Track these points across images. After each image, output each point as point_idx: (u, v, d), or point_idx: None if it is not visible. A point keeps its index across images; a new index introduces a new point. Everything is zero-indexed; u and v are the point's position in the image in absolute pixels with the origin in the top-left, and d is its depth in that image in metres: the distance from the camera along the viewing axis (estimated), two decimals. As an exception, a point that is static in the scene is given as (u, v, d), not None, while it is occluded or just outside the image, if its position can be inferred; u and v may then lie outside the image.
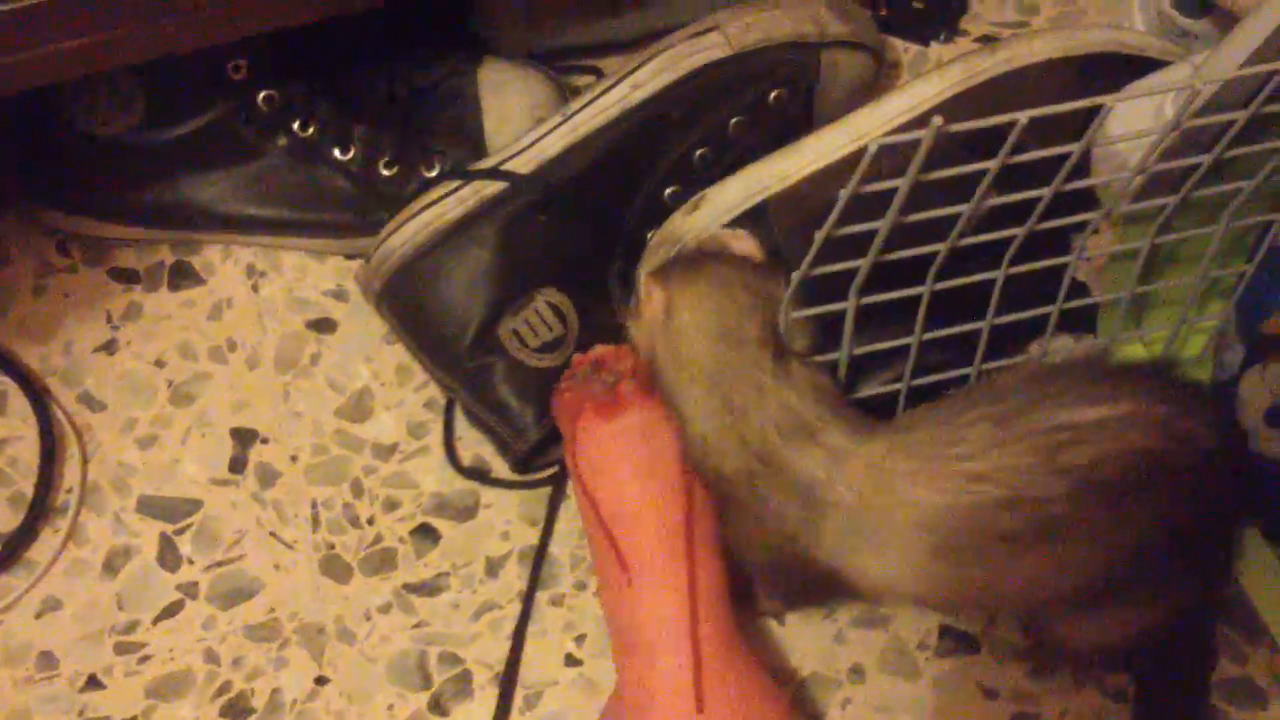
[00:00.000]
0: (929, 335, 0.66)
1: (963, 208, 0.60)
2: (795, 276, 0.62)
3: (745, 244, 0.65)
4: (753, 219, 0.68)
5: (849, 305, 0.64)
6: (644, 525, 0.64)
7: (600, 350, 0.69)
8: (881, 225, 0.58)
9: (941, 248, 0.62)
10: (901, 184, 0.56)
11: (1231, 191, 0.63)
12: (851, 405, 0.62)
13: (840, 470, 0.58)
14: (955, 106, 0.67)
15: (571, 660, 0.71)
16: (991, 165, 0.57)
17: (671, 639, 0.63)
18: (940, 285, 0.64)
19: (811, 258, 0.60)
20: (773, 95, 0.71)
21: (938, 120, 0.53)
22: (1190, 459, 0.56)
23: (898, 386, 0.68)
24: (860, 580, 0.60)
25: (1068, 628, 0.63)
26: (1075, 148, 0.57)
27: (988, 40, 0.79)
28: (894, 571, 0.59)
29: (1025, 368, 0.69)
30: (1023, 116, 0.54)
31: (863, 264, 0.61)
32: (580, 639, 0.71)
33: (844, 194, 0.56)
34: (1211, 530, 0.60)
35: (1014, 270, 0.65)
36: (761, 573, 0.65)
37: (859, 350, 0.66)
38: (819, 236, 0.59)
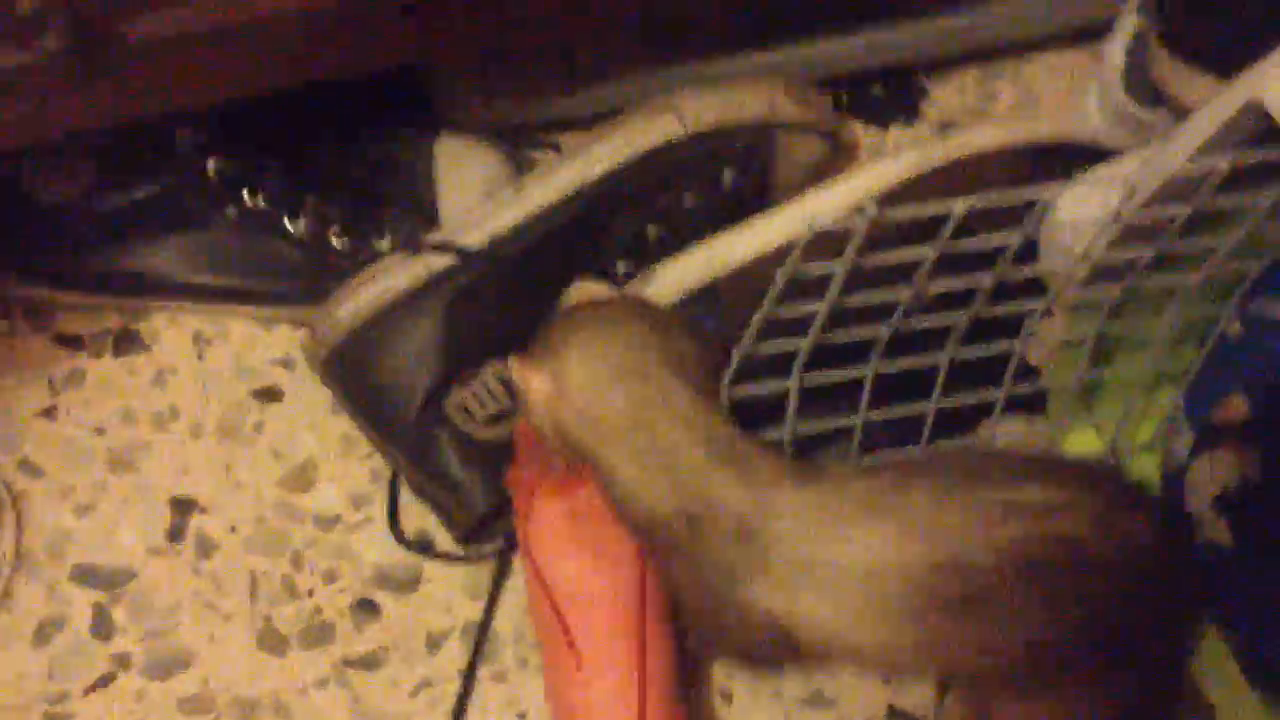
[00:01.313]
0: (874, 415, 0.66)
1: (903, 293, 0.60)
2: (736, 354, 0.62)
3: (595, 289, 0.64)
4: (703, 298, 0.68)
5: (792, 384, 0.63)
6: (596, 608, 0.64)
7: None
8: (820, 308, 0.58)
9: (883, 330, 0.62)
10: (838, 267, 0.56)
11: (1178, 282, 0.63)
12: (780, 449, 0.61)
13: (780, 504, 0.57)
14: (908, 192, 0.67)
15: (512, 739, 0.70)
16: (929, 252, 0.57)
17: None
18: (884, 368, 0.64)
19: (753, 335, 0.59)
20: (727, 175, 0.71)
21: (872, 208, 0.53)
22: (1123, 555, 0.56)
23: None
24: (800, 626, 0.58)
25: (1013, 717, 0.63)
26: (1014, 237, 0.58)
27: (946, 126, 0.80)
28: (833, 617, 0.57)
29: (974, 446, 0.68)
30: (958, 205, 0.55)
31: (804, 344, 0.61)
32: (522, 716, 0.70)
33: (780, 275, 0.56)
34: (1157, 630, 0.60)
35: (961, 355, 0.65)
36: (701, 623, 0.63)
37: (803, 429, 0.65)
38: (757, 316, 0.59)
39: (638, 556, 0.64)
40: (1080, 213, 0.60)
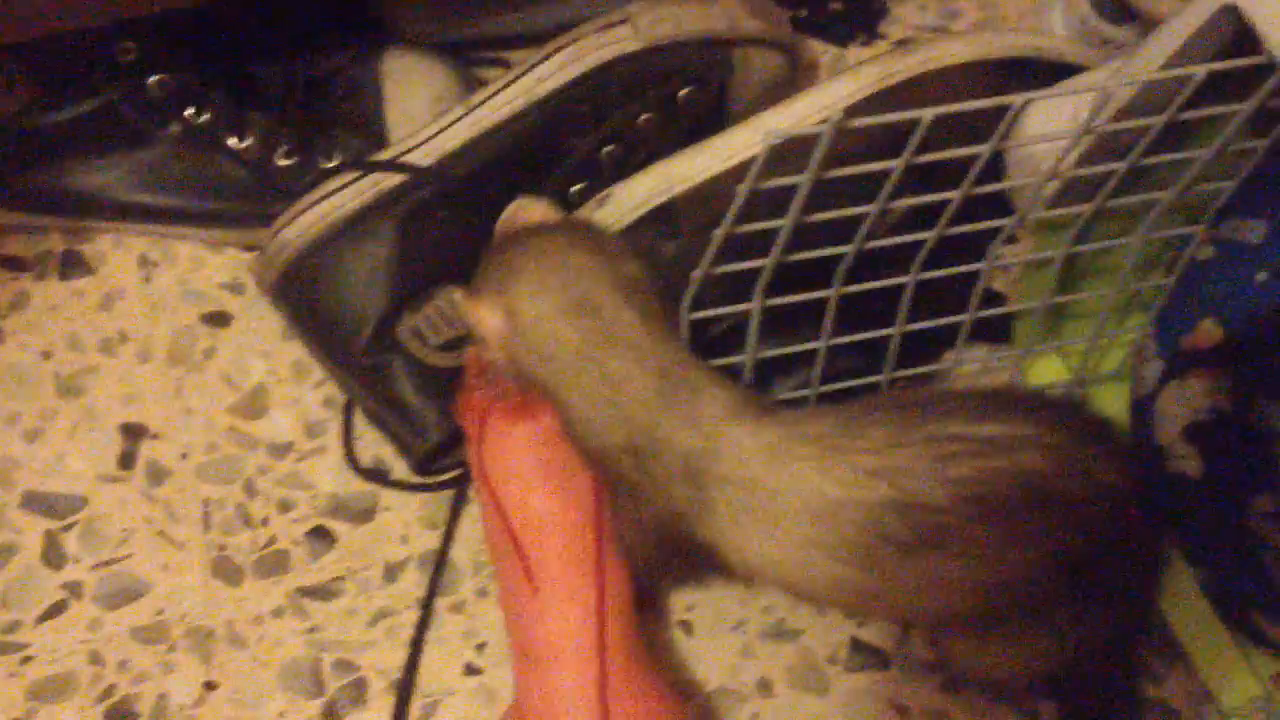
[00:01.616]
0: (837, 340, 0.64)
1: (869, 208, 0.57)
2: (695, 275, 0.60)
3: (535, 209, 0.62)
4: (660, 218, 0.66)
5: (754, 306, 0.61)
6: (552, 534, 0.62)
7: None
8: (783, 224, 0.56)
9: (848, 249, 0.59)
10: (803, 180, 0.54)
11: (1149, 201, 0.60)
12: (735, 380, 0.59)
13: (729, 445, 0.56)
14: (870, 108, 0.64)
15: (471, 669, 0.68)
16: (896, 164, 0.55)
17: (577, 652, 0.61)
18: (848, 289, 0.62)
19: (712, 255, 0.57)
20: (683, 92, 0.68)
21: (837, 114, 0.50)
22: (1084, 490, 0.54)
23: (806, 393, 0.66)
24: (739, 563, 0.58)
25: (970, 652, 0.62)
26: (984, 149, 0.55)
27: (906, 43, 0.77)
28: (777, 558, 0.56)
29: (935, 385, 0.67)
30: (927, 113, 0.52)
31: (766, 264, 0.59)
32: (480, 647, 0.69)
33: (742, 189, 0.54)
34: (1121, 567, 0.58)
35: (925, 276, 0.62)
36: (640, 551, 0.62)
37: (765, 354, 0.64)
38: (718, 233, 0.57)
39: (594, 485, 0.62)
40: (1049, 126, 0.58)
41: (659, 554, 0.61)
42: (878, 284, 0.62)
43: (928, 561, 0.54)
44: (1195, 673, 0.66)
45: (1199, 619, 0.65)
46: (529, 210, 0.62)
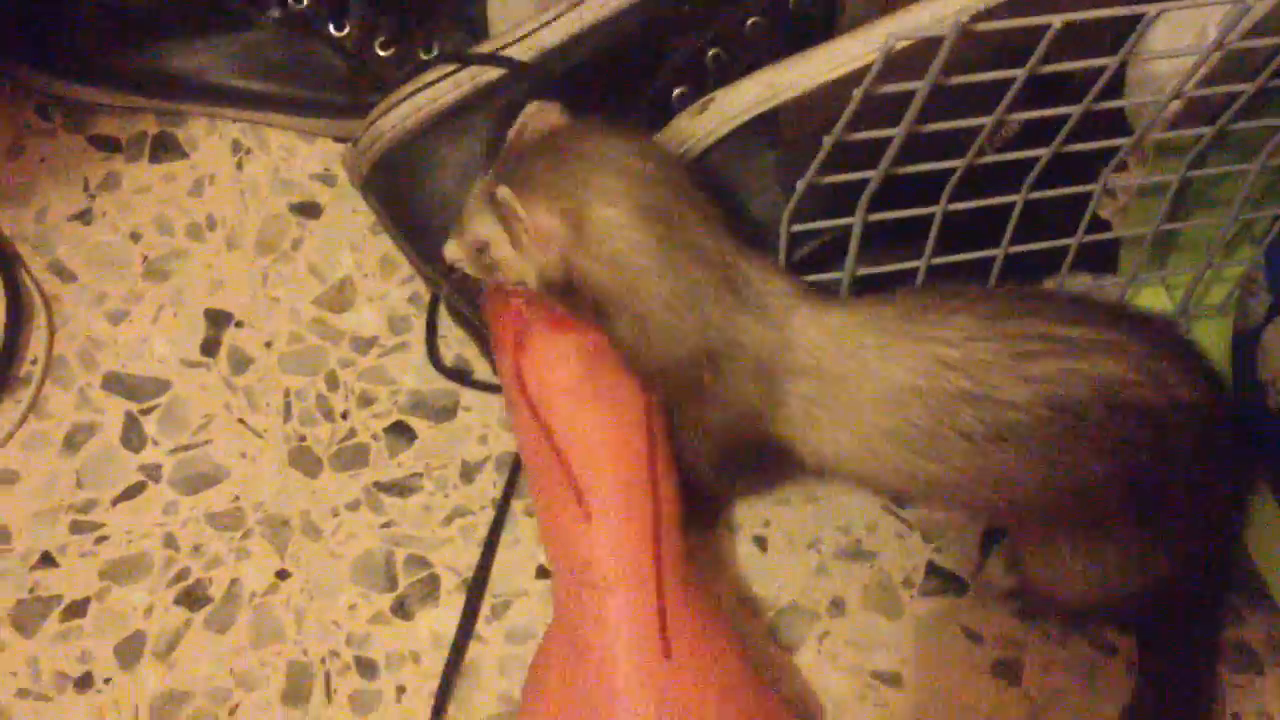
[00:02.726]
0: (938, 260, 0.63)
1: (985, 119, 0.56)
2: (801, 185, 0.59)
3: (551, 114, 0.59)
4: (763, 126, 0.65)
5: (855, 220, 0.60)
6: (605, 454, 0.60)
7: None
8: (896, 132, 0.55)
9: (959, 163, 0.58)
10: (920, 86, 0.52)
11: (1270, 127, 0.59)
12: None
13: (798, 334, 0.56)
14: (990, 18, 0.63)
15: (543, 573, 0.68)
16: (1019, 74, 0.53)
17: (636, 579, 0.59)
18: (954, 206, 0.61)
19: (818, 164, 0.56)
20: (794, -3, 0.67)
21: (962, 17, 0.49)
22: (1163, 402, 0.53)
23: None
24: (812, 456, 0.57)
25: (1044, 567, 0.61)
26: (1111, 60, 0.54)
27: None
28: (847, 449, 0.56)
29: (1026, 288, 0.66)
30: (1056, 20, 0.51)
31: (874, 175, 0.58)
32: (553, 552, 0.69)
33: (858, 93, 0.52)
34: (1199, 493, 0.57)
35: (1035, 196, 0.61)
36: (710, 460, 0.61)
37: (863, 271, 0.63)
38: (828, 139, 0.55)
39: (645, 403, 0.60)
40: (1174, 42, 0.56)
41: (730, 462, 0.61)
42: (986, 202, 0.61)
43: (998, 455, 0.54)
44: (1278, 612, 0.66)
45: (1284, 557, 0.64)
46: (547, 115, 0.60)
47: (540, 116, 0.59)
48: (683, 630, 0.59)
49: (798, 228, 0.61)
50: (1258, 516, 0.64)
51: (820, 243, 0.64)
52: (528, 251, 0.57)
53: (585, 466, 0.60)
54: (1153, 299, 0.69)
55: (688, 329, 0.57)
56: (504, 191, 0.56)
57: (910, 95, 0.54)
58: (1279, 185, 0.63)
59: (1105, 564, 0.59)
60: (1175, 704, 0.64)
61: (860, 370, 0.55)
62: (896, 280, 0.64)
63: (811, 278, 0.62)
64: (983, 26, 0.51)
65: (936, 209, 0.61)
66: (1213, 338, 0.67)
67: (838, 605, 0.68)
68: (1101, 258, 0.69)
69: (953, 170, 0.59)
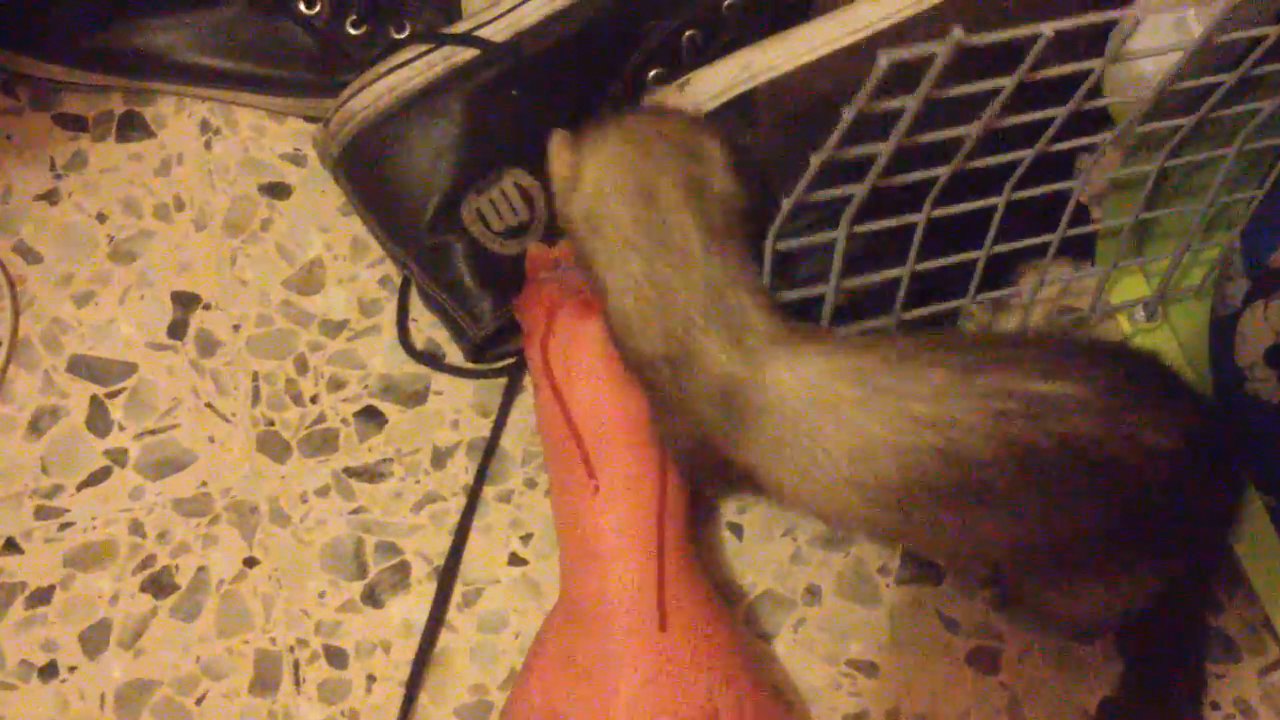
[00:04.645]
0: (922, 266, 0.62)
1: (970, 128, 0.54)
2: (786, 204, 0.57)
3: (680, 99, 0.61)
4: (739, 107, 0.64)
5: (839, 235, 0.59)
6: (618, 431, 0.61)
7: None
8: (885, 148, 0.53)
9: (943, 171, 0.57)
10: (910, 103, 0.51)
11: (1247, 113, 0.59)
12: (783, 308, 0.57)
13: (772, 375, 0.54)
14: (963, 3, 0.62)
15: (516, 559, 0.68)
16: (1007, 83, 0.52)
17: (639, 548, 0.60)
18: (939, 212, 0.60)
19: (808, 181, 0.54)
20: (769, -24, 0.67)
21: (958, 31, 0.48)
22: (1134, 456, 0.52)
23: (886, 321, 0.64)
24: (774, 488, 0.57)
25: (1031, 601, 0.60)
26: (1098, 64, 0.52)
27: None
28: (812, 491, 0.56)
29: (996, 325, 0.66)
30: (1046, 29, 0.49)
31: (859, 189, 0.56)
32: (526, 538, 0.68)
33: (847, 113, 0.50)
34: (1185, 521, 0.56)
35: (1019, 195, 0.60)
36: (679, 461, 0.61)
37: (849, 283, 0.61)
38: (815, 157, 0.53)
39: None
40: (1153, 37, 0.56)
41: (694, 468, 0.61)
42: (969, 206, 0.60)
43: (967, 513, 0.53)
44: (1257, 601, 0.65)
45: (1265, 546, 0.64)
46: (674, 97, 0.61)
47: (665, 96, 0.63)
48: (680, 604, 0.60)
49: (782, 245, 0.60)
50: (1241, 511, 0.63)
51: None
52: (554, 191, 0.59)
53: (598, 442, 0.61)
54: (1132, 285, 0.69)
55: (646, 326, 0.56)
56: (556, 135, 0.59)
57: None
58: (1254, 169, 0.63)
59: (1091, 597, 0.58)
60: (1159, 694, 0.64)
61: (834, 422, 0.54)
62: (883, 289, 0.64)
63: (793, 294, 0.62)
64: (976, 40, 0.49)
65: (920, 216, 0.60)
66: (1190, 321, 0.67)
67: (813, 593, 0.67)
68: (1081, 243, 0.68)
69: (935, 177, 0.58)
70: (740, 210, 0.58)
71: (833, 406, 0.54)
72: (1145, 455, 0.52)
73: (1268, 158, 0.62)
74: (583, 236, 0.57)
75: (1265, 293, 0.60)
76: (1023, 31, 0.50)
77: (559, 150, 0.58)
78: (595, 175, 0.57)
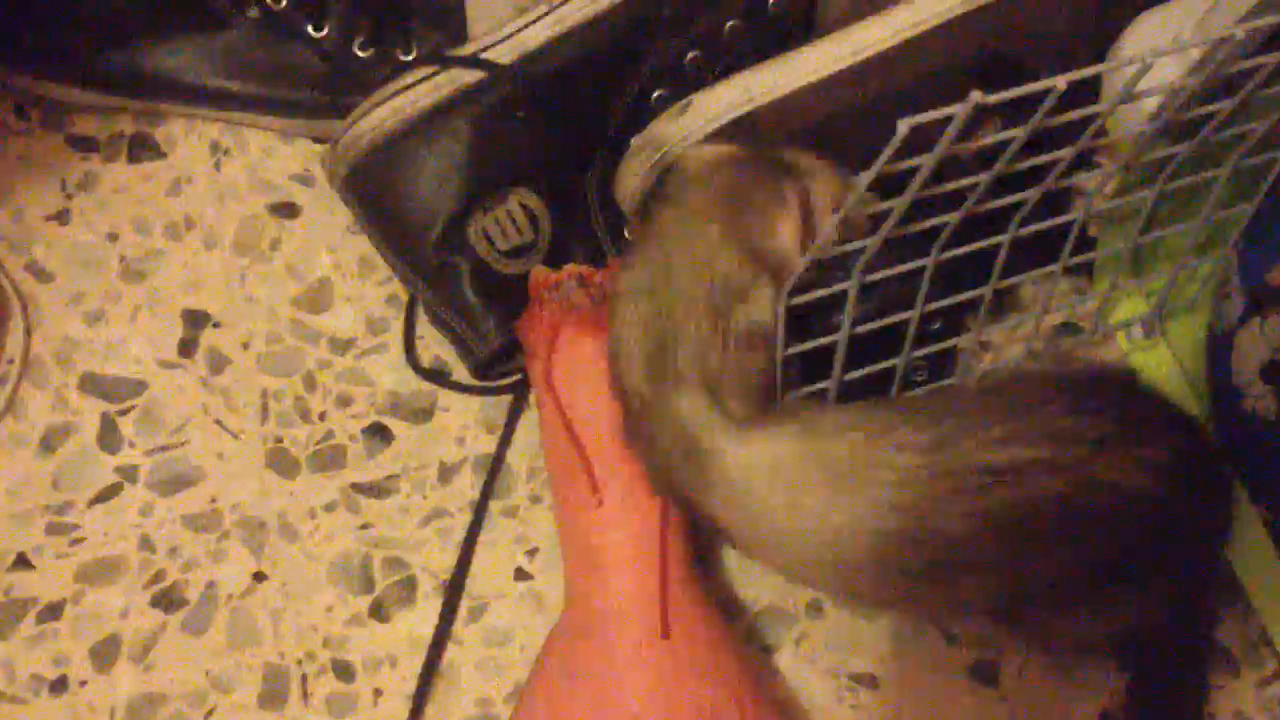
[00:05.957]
0: (932, 306, 0.62)
1: (981, 177, 0.55)
2: (803, 260, 0.58)
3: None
4: (741, 129, 0.65)
5: (851, 285, 0.59)
6: (620, 447, 0.61)
7: (582, 267, 0.66)
8: (897, 204, 0.54)
9: (952, 218, 0.57)
10: (928, 160, 0.51)
11: (1243, 133, 0.59)
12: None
13: (732, 453, 0.55)
14: (963, 25, 0.63)
15: (521, 574, 0.68)
16: (1019, 133, 0.52)
17: (641, 560, 0.61)
18: (945, 255, 0.60)
19: (830, 239, 0.55)
20: (773, 1, 0.67)
21: (976, 94, 0.48)
22: (1118, 504, 0.52)
23: (894, 362, 0.65)
24: (741, 545, 0.59)
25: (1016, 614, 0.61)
26: (1103, 107, 0.53)
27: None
28: (780, 563, 0.57)
29: (961, 388, 0.67)
30: (1059, 82, 0.49)
31: (871, 242, 0.56)
32: (532, 553, 0.69)
33: (865, 176, 0.51)
34: (1176, 547, 0.56)
35: (1023, 232, 0.61)
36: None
37: (862, 328, 0.62)
38: (836, 217, 0.54)
39: None
40: (1148, 44, 0.56)
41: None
42: (975, 246, 0.60)
43: (944, 582, 0.54)
44: (1254, 614, 0.66)
45: (1262, 560, 0.64)
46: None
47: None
48: (683, 617, 0.61)
49: (795, 301, 0.60)
50: (1237, 525, 0.64)
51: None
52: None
53: (601, 456, 0.62)
54: (1129, 307, 0.70)
55: (638, 360, 0.57)
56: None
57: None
58: (1248, 186, 0.63)
59: (1084, 627, 0.59)
60: (1161, 708, 0.64)
61: (793, 506, 0.54)
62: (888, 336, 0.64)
63: (808, 345, 0.61)
64: (994, 98, 0.48)
65: (928, 261, 0.60)
66: (1187, 338, 0.68)
67: (815, 607, 0.68)
68: (1078, 266, 0.69)
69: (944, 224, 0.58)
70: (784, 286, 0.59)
71: (797, 493, 0.54)
72: (1121, 498, 0.52)
73: (1260, 174, 0.63)
74: (639, 229, 0.61)
75: (1261, 309, 0.60)
76: (1036, 87, 0.50)
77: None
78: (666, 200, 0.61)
